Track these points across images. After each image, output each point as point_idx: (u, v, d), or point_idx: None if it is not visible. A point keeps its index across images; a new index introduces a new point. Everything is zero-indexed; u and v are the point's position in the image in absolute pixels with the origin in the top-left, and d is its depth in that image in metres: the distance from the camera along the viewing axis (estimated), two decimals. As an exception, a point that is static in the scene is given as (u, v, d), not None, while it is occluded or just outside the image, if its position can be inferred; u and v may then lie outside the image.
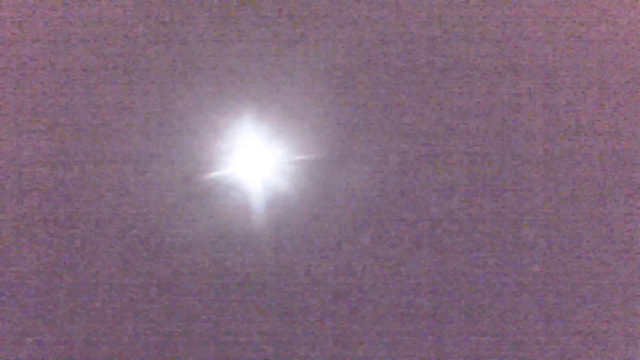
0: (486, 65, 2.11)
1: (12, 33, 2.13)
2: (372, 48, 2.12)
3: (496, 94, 2.11)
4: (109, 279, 2.07)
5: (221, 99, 2.11)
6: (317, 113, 2.10)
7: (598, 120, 2.11)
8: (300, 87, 2.11)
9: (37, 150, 2.10)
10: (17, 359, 2.07)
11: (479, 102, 2.10)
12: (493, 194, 2.09)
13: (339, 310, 2.07)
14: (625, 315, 2.07)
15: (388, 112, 2.10)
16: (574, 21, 2.13)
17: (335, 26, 2.12)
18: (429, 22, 2.12)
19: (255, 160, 2.10)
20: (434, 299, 2.07)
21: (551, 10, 2.13)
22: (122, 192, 2.09)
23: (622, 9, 2.13)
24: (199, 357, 2.06)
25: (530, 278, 2.07)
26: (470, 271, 2.07)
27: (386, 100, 2.10)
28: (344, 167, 2.09)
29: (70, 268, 2.08)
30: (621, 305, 2.07)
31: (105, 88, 2.11)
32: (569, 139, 2.10)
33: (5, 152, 2.10)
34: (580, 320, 2.07)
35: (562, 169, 2.09)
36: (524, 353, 2.07)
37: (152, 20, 2.13)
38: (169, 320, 2.07)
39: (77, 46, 2.12)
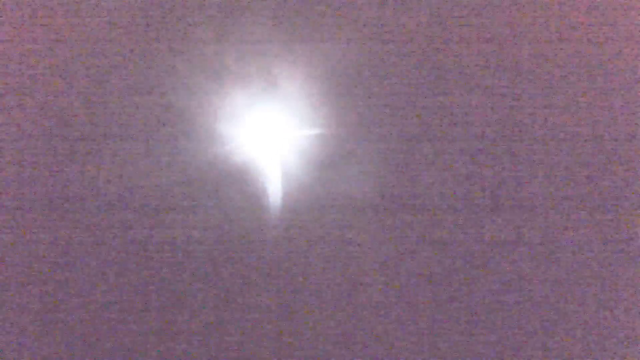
0: (486, 65, 2.11)
1: (12, 33, 2.13)
2: (372, 48, 2.11)
3: (496, 94, 2.11)
4: (108, 279, 2.07)
5: (221, 98, 2.11)
6: (317, 113, 2.10)
7: (598, 120, 2.11)
8: (300, 87, 2.11)
9: (36, 150, 2.10)
10: (17, 359, 2.07)
11: (479, 102, 2.10)
12: (493, 194, 2.09)
13: (338, 310, 2.07)
14: (625, 316, 2.07)
15: (388, 112, 2.10)
16: (574, 21, 2.13)
17: (335, 26, 2.12)
18: (429, 22, 2.12)
19: (254, 160, 2.09)
20: (434, 299, 2.07)
21: (551, 10, 2.13)
22: (122, 191, 2.09)
23: (622, 9, 2.13)
24: (199, 357, 2.06)
25: (531, 278, 2.07)
26: (470, 271, 2.07)
27: (386, 101, 2.10)
28: (344, 167, 2.09)
29: (69, 267, 2.08)
30: (621, 305, 2.07)
31: (105, 88, 2.11)
32: (569, 139, 2.10)
33: (5, 152, 2.10)
34: (580, 320, 2.07)
35: (562, 169, 2.09)
36: (524, 353, 2.07)
37: (152, 20, 2.13)
38: (169, 319, 2.07)
39: (77, 46, 2.12)
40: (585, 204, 2.09)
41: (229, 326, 2.07)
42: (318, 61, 2.11)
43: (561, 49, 2.12)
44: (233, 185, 2.09)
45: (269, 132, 2.10)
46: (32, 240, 2.08)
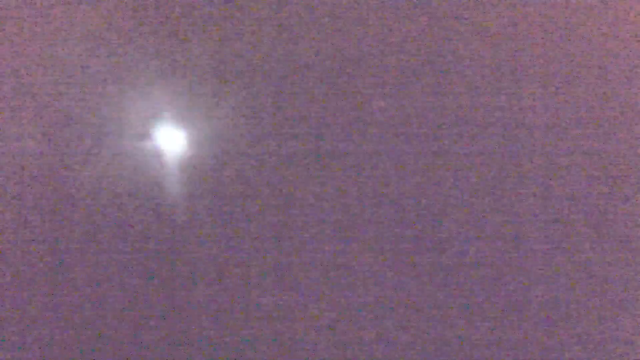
0: (486, 65, 2.11)
1: (12, 33, 2.13)
2: (372, 48, 2.12)
3: (496, 94, 2.11)
4: (107, 278, 2.07)
5: (220, 98, 2.11)
6: (317, 113, 2.10)
7: (598, 120, 2.11)
8: (300, 87, 2.11)
9: (36, 151, 2.10)
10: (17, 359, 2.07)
11: (479, 102, 2.10)
12: (493, 194, 2.09)
13: (338, 310, 2.07)
14: (625, 316, 2.07)
15: (387, 112, 2.10)
16: (574, 21, 2.13)
17: (335, 27, 2.12)
18: (429, 23, 2.12)
19: (254, 159, 2.09)
20: (434, 298, 2.07)
21: (551, 10, 2.13)
22: (122, 191, 2.09)
23: (622, 9, 2.13)
24: (199, 357, 2.06)
25: (531, 278, 2.07)
26: (470, 270, 2.07)
27: (385, 101, 2.10)
28: (343, 167, 2.09)
29: (69, 267, 2.08)
30: (622, 305, 2.07)
31: (105, 88, 2.11)
32: (569, 139, 2.10)
33: (5, 152, 2.10)
34: (580, 321, 2.07)
35: (562, 169, 2.09)
36: (524, 353, 2.07)
37: (152, 20, 2.13)
38: (169, 318, 2.07)
39: (77, 46, 2.12)
40: (585, 203, 2.08)
41: (229, 326, 2.07)
42: (317, 61, 2.11)
43: (561, 48, 2.12)
44: (233, 184, 2.09)
45: (266, 132, 2.10)
46: (32, 240, 2.08)
